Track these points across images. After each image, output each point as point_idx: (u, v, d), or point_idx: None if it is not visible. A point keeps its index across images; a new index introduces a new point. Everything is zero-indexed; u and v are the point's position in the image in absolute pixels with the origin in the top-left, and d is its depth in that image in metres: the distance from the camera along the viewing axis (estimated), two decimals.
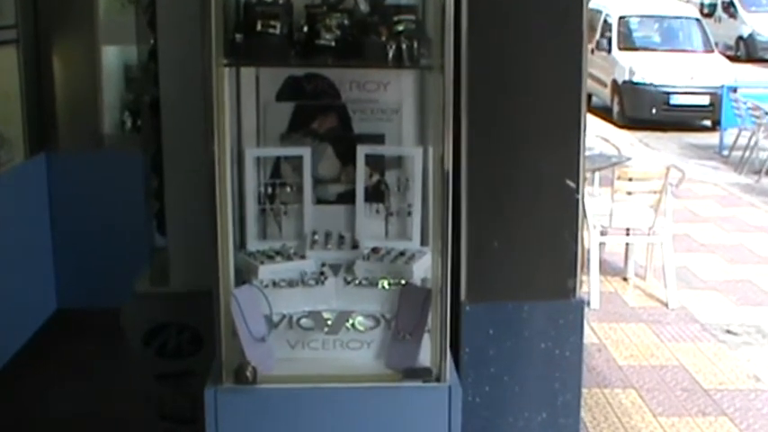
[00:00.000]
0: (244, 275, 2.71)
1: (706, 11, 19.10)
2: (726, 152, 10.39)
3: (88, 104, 4.98)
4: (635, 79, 12.20)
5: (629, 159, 6.38)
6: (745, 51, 18.71)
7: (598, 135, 7.98)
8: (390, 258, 2.76)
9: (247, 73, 2.80)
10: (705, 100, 11.87)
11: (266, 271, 2.68)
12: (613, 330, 5.20)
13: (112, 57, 5.12)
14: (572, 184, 3.04)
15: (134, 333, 3.29)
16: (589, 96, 11.23)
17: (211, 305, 2.49)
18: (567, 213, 3.06)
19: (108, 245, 4.77)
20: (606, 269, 6.08)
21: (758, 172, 9.29)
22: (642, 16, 13.35)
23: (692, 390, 4.45)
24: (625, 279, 6.03)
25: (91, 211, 4.88)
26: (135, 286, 3.37)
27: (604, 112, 12.49)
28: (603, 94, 12.95)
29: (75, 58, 4.98)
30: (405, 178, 2.85)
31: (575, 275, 3.10)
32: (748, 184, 9.05)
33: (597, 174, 6.01)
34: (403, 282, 2.68)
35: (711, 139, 11.24)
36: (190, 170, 3.15)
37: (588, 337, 4.67)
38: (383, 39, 2.53)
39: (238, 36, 2.51)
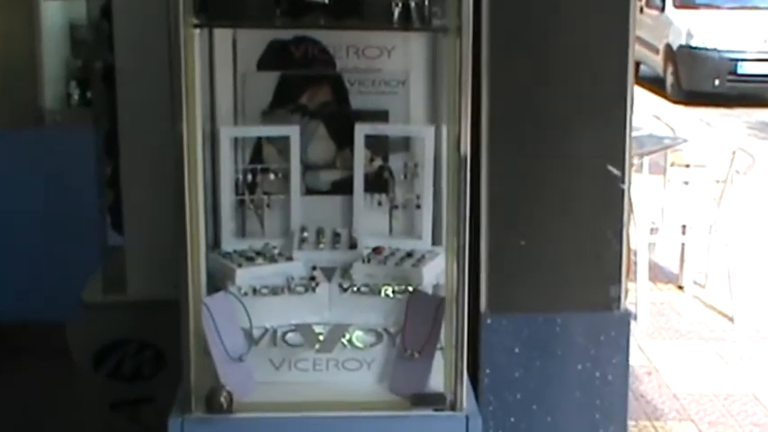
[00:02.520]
0: (218, 281, 2.75)
1: None
2: None
3: (25, 73, 5.00)
4: (694, 43, 12.22)
5: (685, 141, 6.40)
6: None
7: (648, 112, 8.02)
8: (395, 260, 2.80)
9: (222, 36, 2.84)
10: None
11: (245, 275, 2.72)
12: (667, 350, 5.23)
13: (55, 14, 5.14)
14: (616, 172, 3.08)
15: (82, 352, 3.34)
16: (637, 65, 11.24)
17: (177, 317, 2.53)
18: (610, 207, 3.10)
19: (50, 244, 4.80)
20: (657, 275, 6.12)
21: None
22: None
23: (765, 424, 4.46)
24: (680, 287, 6.07)
25: (29, 203, 4.90)
26: (84, 295, 3.41)
27: (655, 84, 12.52)
28: (655, 62, 12.99)
29: (7, 16, 5.00)
30: (413, 164, 2.89)
31: (619, 282, 3.14)
32: None
33: (646, 159, 6.04)
34: (410, 288, 2.72)
35: None
36: (152, 153, 3.20)
37: (635, 357, 4.71)
38: None
39: None
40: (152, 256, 3.25)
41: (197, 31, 2.49)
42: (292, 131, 2.85)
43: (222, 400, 2.50)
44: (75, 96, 5.12)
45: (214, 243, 2.86)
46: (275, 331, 2.69)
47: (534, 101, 3.04)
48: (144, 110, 3.20)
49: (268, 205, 2.89)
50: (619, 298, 3.14)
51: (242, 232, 2.91)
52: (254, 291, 2.71)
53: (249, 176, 2.86)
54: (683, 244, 6.02)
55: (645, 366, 5.00)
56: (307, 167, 2.91)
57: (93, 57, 3.50)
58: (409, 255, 2.83)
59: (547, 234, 3.09)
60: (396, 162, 2.91)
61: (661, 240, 6.04)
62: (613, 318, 3.15)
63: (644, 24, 12.36)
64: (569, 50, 3.03)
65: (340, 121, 2.89)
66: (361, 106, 2.89)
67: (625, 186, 3.10)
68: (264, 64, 2.88)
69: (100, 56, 3.39)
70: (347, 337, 2.67)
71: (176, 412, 2.54)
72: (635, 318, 5.40)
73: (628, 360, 3.18)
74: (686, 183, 5.79)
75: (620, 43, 3.04)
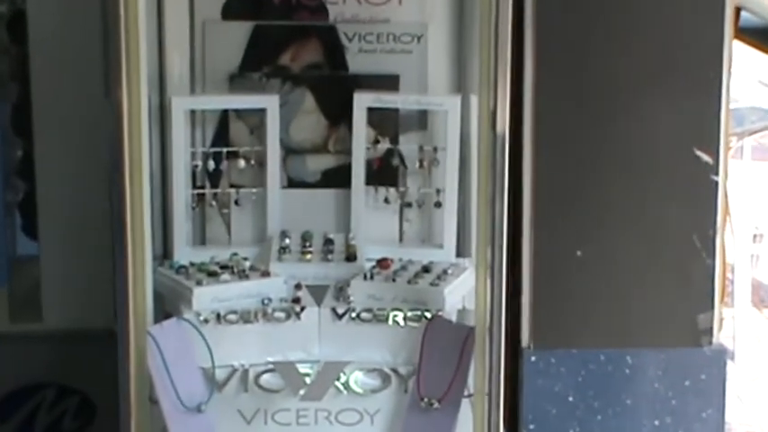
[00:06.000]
0: (168, 304, 2.80)
1: None
2: None
3: None
4: None
5: None
6: None
7: (751, 76, 8.00)
8: (408, 277, 2.85)
9: None
10: None
11: (206, 296, 2.75)
12: None
13: None
14: (706, 158, 3.12)
15: None
16: (737, 11, 11.12)
17: (112, 353, 2.58)
18: (698, 205, 3.14)
19: None
20: (763, 298, 6.12)
21: None
22: None
23: None
24: None
25: None
26: None
27: (763, 38, 12.49)
28: (762, 7, 12.97)
29: None
30: (431, 147, 2.94)
31: (711, 308, 3.18)
32: None
33: (748, 140, 6.05)
34: (428, 314, 2.76)
35: None
36: (77, 131, 3.23)
37: (734, 410, 4.71)
38: None
39: None
40: (77, 271, 3.28)
41: None
42: (269, 103, 2.89)
43: None
44: None
45: (163, 253, 2.92)
46: (246, 371, 2.73)
47: (594, 62, 3.07)
48: (67, 73, 3.22)
49: (237, 202, 2.95)
50: (710, 329, 3.18)
51: (201, 238, 2.97)
52: (218, 317, 2.74)
53: (211, 163, 2.90)
54: None
55: (746, 424, 5.01)
56: (289, 151, 2.96)
57: None
58: (426, 270, 2.88)
59: (611, 242, 3.12)
60: (409, 145, 2.96)
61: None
62: (703, 356, 3.19)
63: None
64: None
65: (333, 90, 2.94)
66: (363, 69, 2.94)
67: (719, 178, 3.14)
68: (232, 11, 2.93)
69: None
70: (343, 379, 2.73)
71: None
72: (732, 356, 5.41)
73: (723, 414, 3.23)
74: None
75: None
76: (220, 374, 2.71)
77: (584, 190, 3.11)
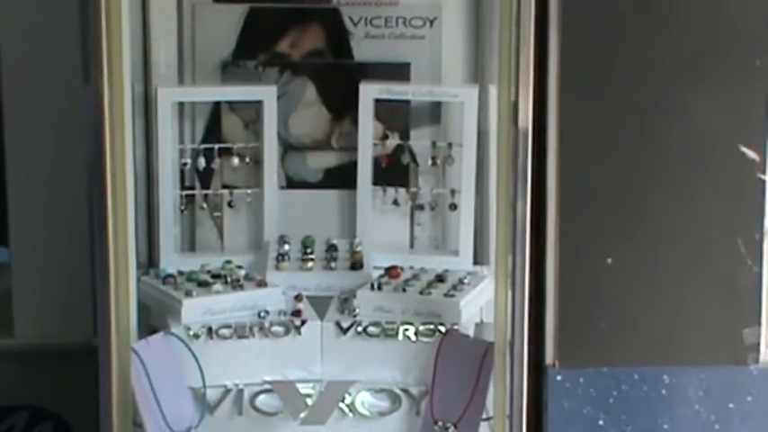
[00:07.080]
0: (153, 318, 2.83)
1: None
2: None
3: None
4: None
5: None
6: None
7: None
8: (420, 287, 2.87)
9: None
10: None
11: (195, 308, 2.78)
12: None
13: None
14: (752, 155, 3.13)
15: None
16: None
17: (92, 372, 2.62)
18: (743, 207, 3.14)
19: None
20: None
21: None
22: None
23: None
24: None
25: None
26: None
27: None
28: None
29: None
30: (446, 143, 2.97)
31: (758, 322, 3.18)
32: None
33: None
34: (442, 329, 2.79)
35: None
36: (53, 127, 3.25)
37: None
38: None
39: None
40: (53, 281, 3.29)
41: None
42: (266, 94, 2.92)
43: None
44: None
45: (149, 261, 2.95)
46: (241, 392, 2.76)
47: (626, 49, 3.08)
48: (41, 60, 3.23)
49: (230, 204, 2.98)
50: (757, 346, 3.18)
51: (191, 244, 3.01)
52: (210, 332, 2.77)
53: (202, 161, 2.93)
54: None
55: None
56: (287, 148, 2.99)
57: None
58: (440, 279, 2.91)
59: (645, 248, 3.13)
60: (420, 140, 2.99)
61: None
62: (749, 375, 3.20)
63: None
64: None
65: (337, 79, 2.97)
66: (369, 57, 2.97)
67: (766, 177, 3.15)
68: None
69: None
70: (348, 400, 2.75)
71: None
72: None
73: None
74: None
75: None
76: (212, 395, 2.73)
77: (616, 191, 3.12)
